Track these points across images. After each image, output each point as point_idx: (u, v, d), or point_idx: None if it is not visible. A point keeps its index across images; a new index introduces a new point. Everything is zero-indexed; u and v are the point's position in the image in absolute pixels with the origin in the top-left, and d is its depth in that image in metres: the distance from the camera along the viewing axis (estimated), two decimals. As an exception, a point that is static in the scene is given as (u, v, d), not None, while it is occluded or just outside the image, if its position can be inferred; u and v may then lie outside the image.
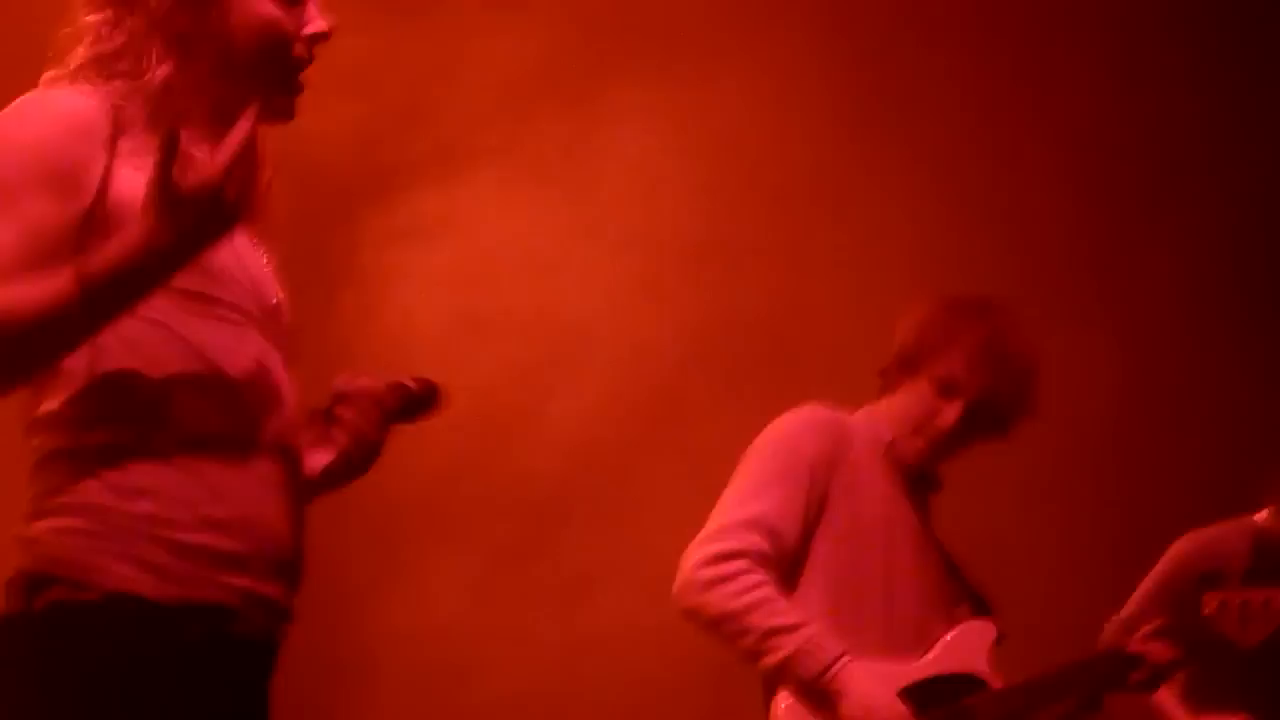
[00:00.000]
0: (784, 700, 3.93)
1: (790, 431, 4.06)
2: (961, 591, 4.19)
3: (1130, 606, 4.62)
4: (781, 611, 3.91)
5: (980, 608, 4.17)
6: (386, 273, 5.90)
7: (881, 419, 4.14)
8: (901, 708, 3.92)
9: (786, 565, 3.97)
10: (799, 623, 3.90)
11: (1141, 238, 6.07)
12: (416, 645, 5.76)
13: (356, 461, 2.83)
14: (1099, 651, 4.22)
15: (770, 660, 3.89)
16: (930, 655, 4.04)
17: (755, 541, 3.93)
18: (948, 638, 4.08)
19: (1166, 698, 4.56)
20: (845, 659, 3.88)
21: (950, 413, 4.06)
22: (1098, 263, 6.07)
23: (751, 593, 3.90)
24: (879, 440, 4.12)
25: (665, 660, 5.55)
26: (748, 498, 3.99)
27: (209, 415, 2.53)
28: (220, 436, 2.53)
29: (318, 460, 2.79)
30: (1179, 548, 4.72)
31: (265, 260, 2.72)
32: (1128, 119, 6.04)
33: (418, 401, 2.86)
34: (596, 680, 5.68)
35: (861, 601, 4.00)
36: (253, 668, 2.60)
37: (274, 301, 2.68)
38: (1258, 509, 4.75)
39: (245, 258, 2.66)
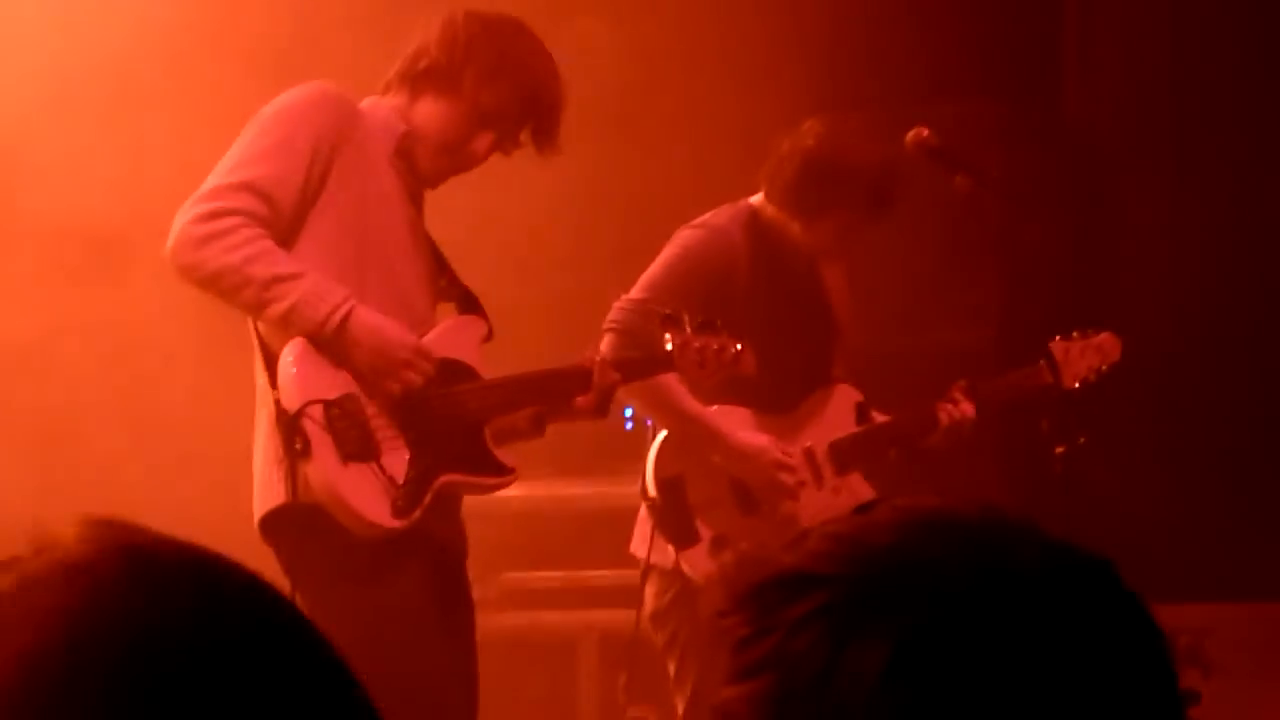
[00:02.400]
0: (290, 357, 3.92)
1: (295, 103, 4.05)
2: (452, 288, 4.28)
3: (638, 291, 4.71)
4: (282, 261, 3.89)
5: (470, 305, 4.28)
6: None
7: (396, 113, 4.18)
8: (411, 336, 4.01)
9: (280, 234, 3.95)
10: (301, 271, 3.90)
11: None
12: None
13: None
14: (576, 362, 4.30)
15: (276, 309, 3.87)
16: (428, 337, 4.12)
17: (248, 201, 3.90)
18: (443, 326, 4.19)
19: (675, 385, 4.72)
20: (352, 300, 3.93)
21: (450, 121, 4.14)
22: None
23: (249, 245, 3.87)
24: (391, 130, 4.15)
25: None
26: (242, 164, 3.96)
27: None
28: None
29: None
30: (686, 238, 4.81)
31: None
32: None
33: None
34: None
35: (359, 281, 4.02)
36: None
37: None
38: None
39: None
